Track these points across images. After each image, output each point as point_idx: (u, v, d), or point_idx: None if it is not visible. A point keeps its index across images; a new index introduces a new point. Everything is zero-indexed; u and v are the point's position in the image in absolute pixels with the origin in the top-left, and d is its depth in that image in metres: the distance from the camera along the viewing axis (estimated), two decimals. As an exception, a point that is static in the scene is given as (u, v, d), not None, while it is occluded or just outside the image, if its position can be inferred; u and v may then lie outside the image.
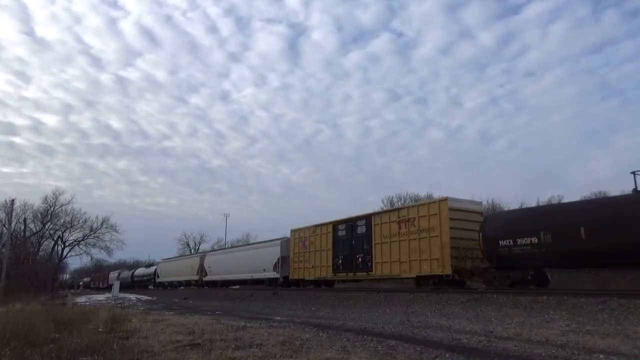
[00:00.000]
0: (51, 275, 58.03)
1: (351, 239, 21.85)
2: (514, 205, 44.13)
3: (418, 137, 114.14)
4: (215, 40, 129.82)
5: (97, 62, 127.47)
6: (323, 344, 6.53)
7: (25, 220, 51.81)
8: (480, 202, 20.76)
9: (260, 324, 9.57)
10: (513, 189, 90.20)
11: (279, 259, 27.84)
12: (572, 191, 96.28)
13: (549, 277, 15.42)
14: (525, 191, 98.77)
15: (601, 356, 5.35)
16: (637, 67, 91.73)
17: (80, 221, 58.98)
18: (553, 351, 5.69)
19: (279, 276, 27.63)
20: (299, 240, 26.17)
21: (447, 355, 5.53)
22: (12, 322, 8.85)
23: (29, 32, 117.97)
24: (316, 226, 24.93)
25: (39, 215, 55.48)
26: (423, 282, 17.90)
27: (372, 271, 20.16)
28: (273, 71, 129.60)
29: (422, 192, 58.21)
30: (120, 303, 22.46)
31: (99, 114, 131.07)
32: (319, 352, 5.92)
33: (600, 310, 9.68)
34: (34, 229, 55.35)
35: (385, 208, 19.84)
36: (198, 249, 78.20)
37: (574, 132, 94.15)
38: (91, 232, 60.08)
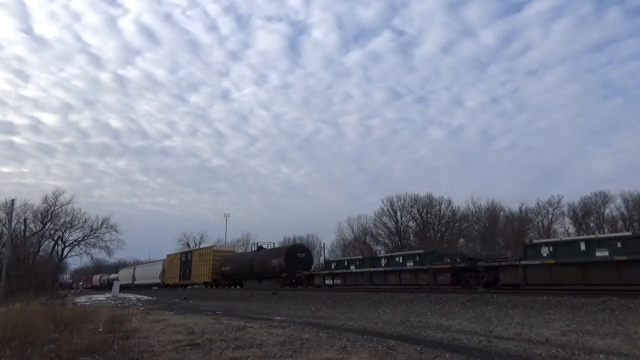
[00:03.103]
0: (51, 275, 58.04)
1: (186, 262, 42.28)
2: (514, 205, 44.25)
3: (419, 136, 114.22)
4: (215, 38, 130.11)
5: (96, 60, 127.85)
6: (323, 344, 6.53)
7: (25, 220, 51.81)
8: (234, 246, 48.97)
9: (260, 324, 9.58)
10: (514, 188, 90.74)
11: (161, 271, 48.88)
12: (573, 191, 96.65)
13: (244, 282, 35.78)
14: (526, 191, 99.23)
15: (601, 356, 5.36)
16: (639, 65, 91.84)
17: (80, 221, 59.20)
18: (553, 351, 5.70)
19: (161, 282, 48.37)
20: (169, 261, 47.43)
21: (447, 355, 5.53)
22: (12, 322, 8.84)
23: (28, 31, 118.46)
24: (175, 254, 48.37)
25: (39, 215, 55.59)
26: (206, 285, 37.77)
27: (191, 279, 40.71)
28: (273, 70, 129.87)
29: (422, 192, 58.68)
30: (120, 303, 22.46)
31: (98, 113, 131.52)
32: (319, 352, 5.93)
33: (600, 310, 9.69)
34: (34, 229, 55.38)
35: (198, 247, 47.03)
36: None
37: (576, 131, 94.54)
38: (91, 232, 60.20)
